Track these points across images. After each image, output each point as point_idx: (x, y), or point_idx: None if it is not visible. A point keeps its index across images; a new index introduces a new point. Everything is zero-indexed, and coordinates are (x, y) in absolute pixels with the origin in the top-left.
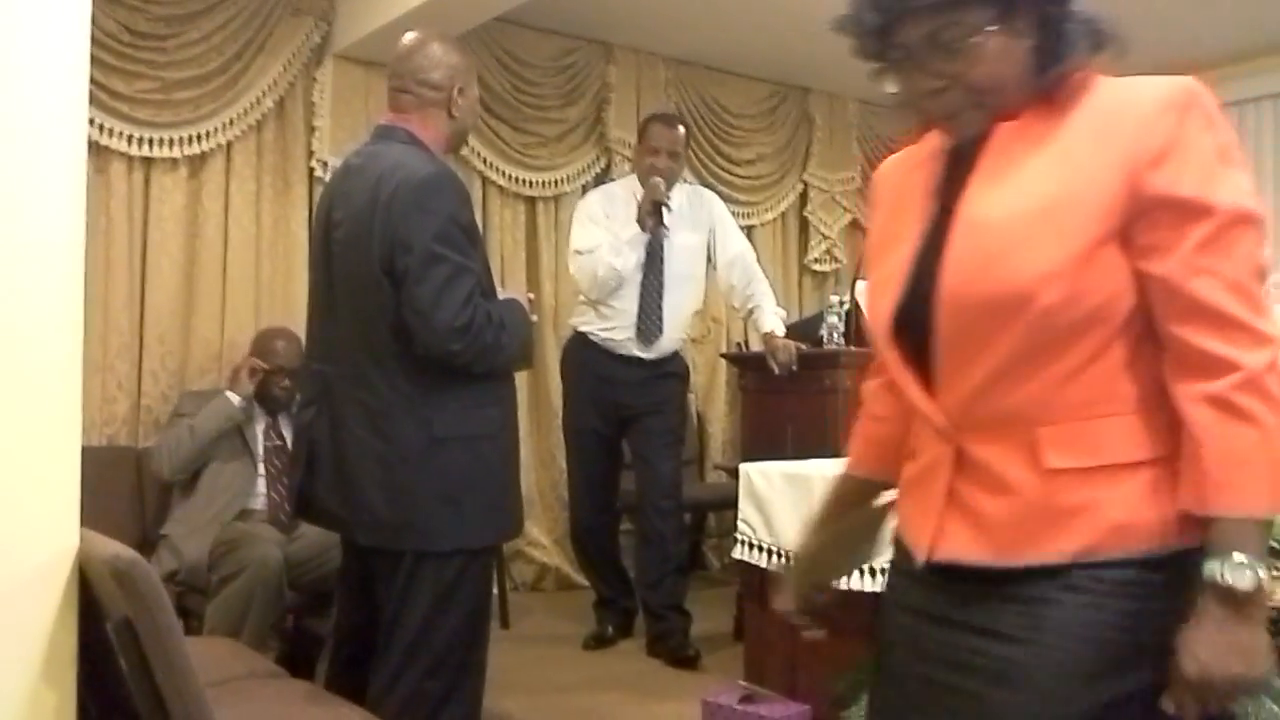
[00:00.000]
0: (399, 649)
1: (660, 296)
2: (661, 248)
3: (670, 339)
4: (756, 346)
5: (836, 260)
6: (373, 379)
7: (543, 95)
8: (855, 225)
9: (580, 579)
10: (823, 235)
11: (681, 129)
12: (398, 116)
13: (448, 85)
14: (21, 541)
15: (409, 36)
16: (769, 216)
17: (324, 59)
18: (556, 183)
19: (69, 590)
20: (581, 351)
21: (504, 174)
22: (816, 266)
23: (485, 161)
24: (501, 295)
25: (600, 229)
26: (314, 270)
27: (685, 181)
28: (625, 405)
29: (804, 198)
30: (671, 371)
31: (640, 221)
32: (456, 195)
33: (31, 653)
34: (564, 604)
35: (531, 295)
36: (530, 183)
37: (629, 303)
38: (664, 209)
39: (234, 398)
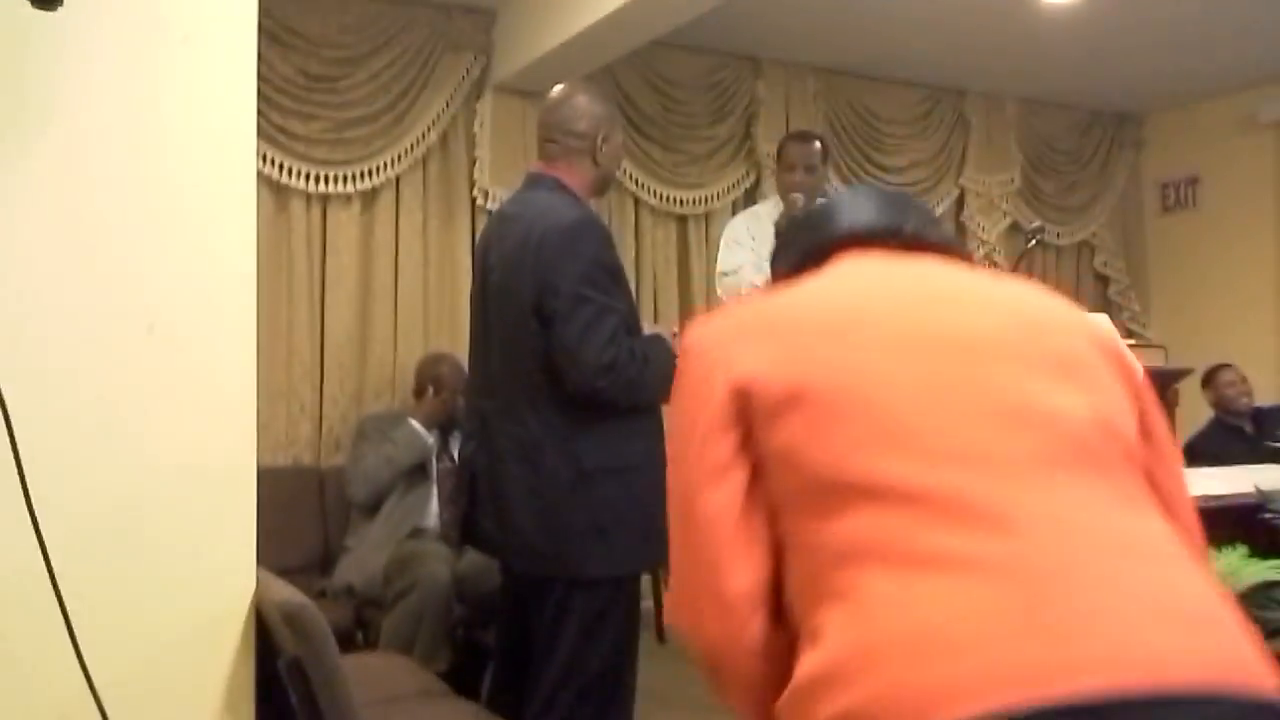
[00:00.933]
0: (551, 674)
1: None
2: None
3: None
4: None
5: (996, 265)
6: (525, 415)
7: (692, 113)
8: (1015, 228)
9: None
10: (980, 240)
11: (817, 143)
12: (546, 165)
13: (592, 134)
14: (203, 588)
15: (556, 90)
16: None
17: (483, 92)
18: (706, 199)
19: (247, 631)
20: None
21: (655, 193)
22: None
23: (636, 182)
24: (647, 330)
25: (745, 250)
26: (473, 312)
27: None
28: None
29: (960, 203)
30: None
31: (777, 235)
32: (600, 239)
33: (214, 691)
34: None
35: (676, 330)
36: (681, 201)
37: None
38: None
39: (422, 429)
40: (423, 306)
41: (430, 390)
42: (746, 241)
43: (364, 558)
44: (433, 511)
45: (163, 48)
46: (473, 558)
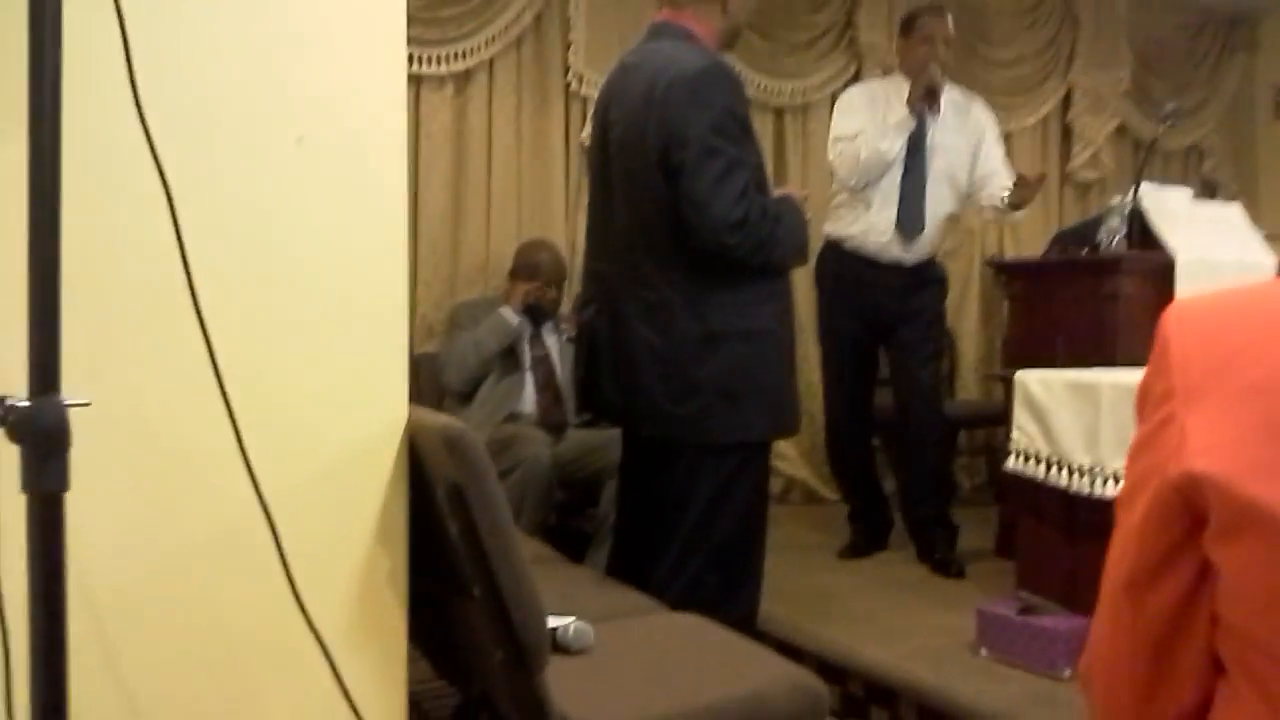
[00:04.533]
0: (679, 541)
1: (923, 188)
2: (926, 138)
3: (930, 239)
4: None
5: (1104, 167)
6: (650, 275)
7: (791, 0)
8: (1123, 130)
9: (827, 492)
10: (1087, 141)
11: (950, 19)
12: (673, 13)
13: None
14: (357, 413)
15: None
16: (1029, 121)
17: None
18: (805, 91)
19: (400, 459)
20: (839, 259)
21: (753, 83)
22: (1082, 175)
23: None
24: (776, 193)
25: (863, 116)
26: (592, 171)
27: (955, 86)
28: (886, 311)
29: (1067, 101)
30: (932, 278)
31: (911, 105)
32: (731, 88)
33: (368, 519)
34: (812, 517)
35: (807, 192)
36: (779, 91)
37: (889, 193)
38: (938, 96)
39: (511, 315)
40: (516, 193)
41: (525, 276)
42: (864, 109)
43: None
44: (529, 397)
45: None
46: (571, 441)
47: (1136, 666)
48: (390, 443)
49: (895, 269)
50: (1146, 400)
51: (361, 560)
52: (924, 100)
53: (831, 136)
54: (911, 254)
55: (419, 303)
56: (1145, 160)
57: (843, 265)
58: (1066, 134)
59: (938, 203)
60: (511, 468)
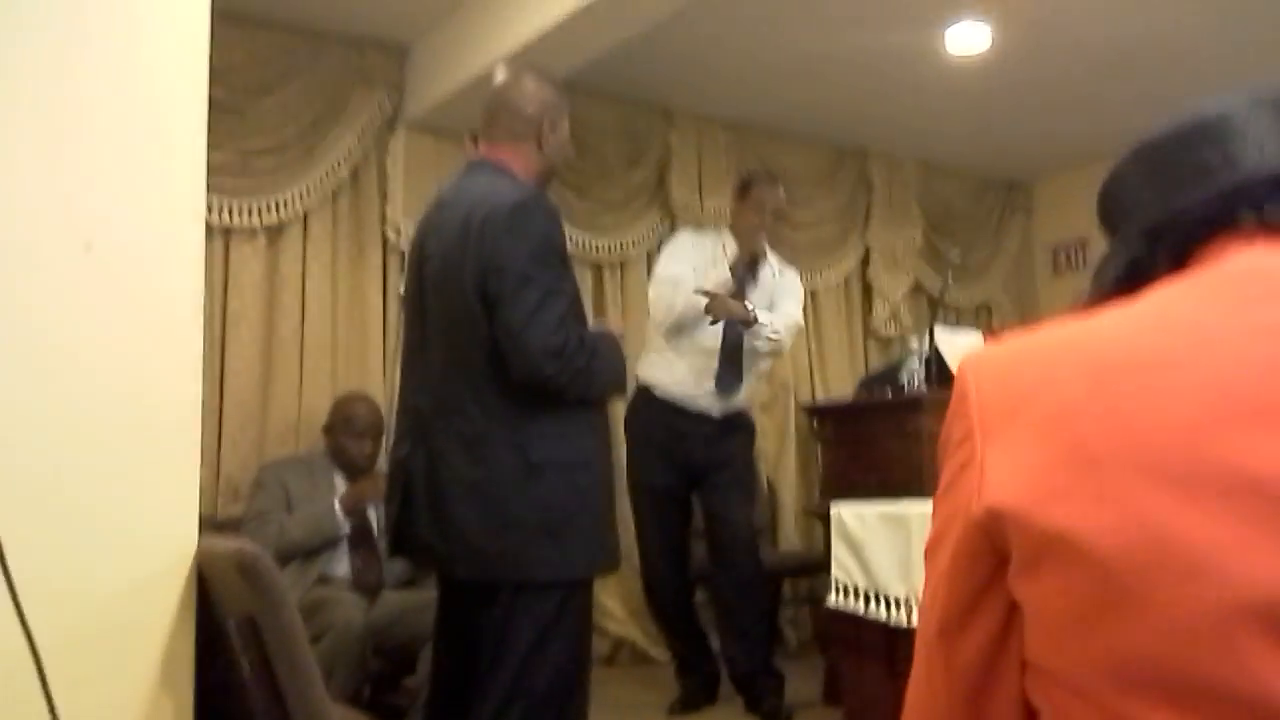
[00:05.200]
0: (498, 692)
1: (740, 349)
2: (746, 300)
3: (745, 392)
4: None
5: (902, 324)
6: (468, 408)
7: (606, 160)
8: (918, 287)
9: (656, 652)
10: (886, 299)
11: (782, 189)
12: (489, 149)
13: (538, 119)
14: (140, 542)
15: (503, 71)
16: (833, 280)
17: (396, 128)
18: (623, 246)
19: (186, 592)
20: (649, 406)
21: (572, 239)
22: (882, 331)
23: None
24: (593, 326)
25: (688, 265)
26: (406, 310)
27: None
28: (696, 458)
29: (866, 260)
30: (742, 425)
31: (733, 269)
32: (548, 218)
33: (149, 660)
34: (642, 677)
35: (622, 329)
36: (596, 247)
37: (707, 351)
38: (758, 266)
39: (340, 520)
40: (330, 347)
41: (341, 429)
42: (690, 257)
43: None
44: (342, 558)
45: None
46: (386, 606)
47: (952, 716)
48: (177, 574)
49: (706, 420)
50: (948, 446)
51: (142, 707)
52: (747, 268)
53: (655, 274)
54: (724, 407)
55: (223, 463)
56: (937, 308)
57: (652, 411)
58: (867, 291)
59: (752, 360)
60: (320, 634)
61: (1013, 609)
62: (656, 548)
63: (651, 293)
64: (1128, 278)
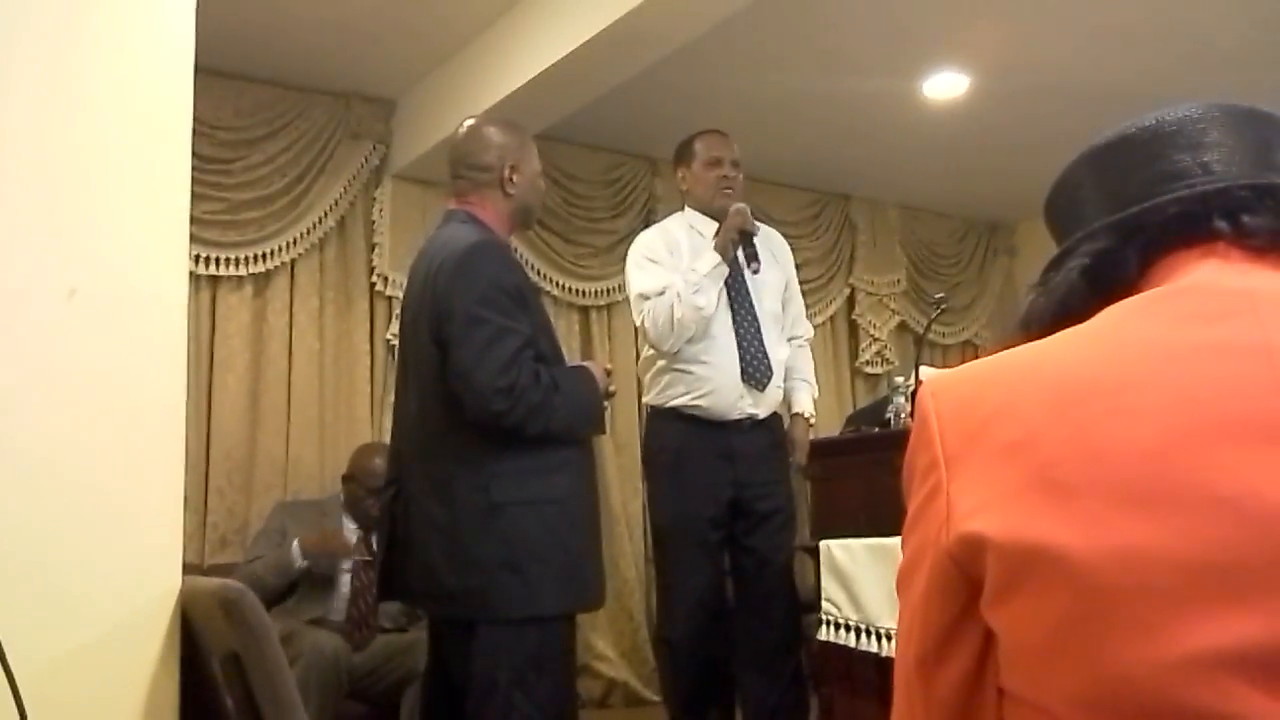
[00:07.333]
0: None
1: (760, 333)
2: (746, 281)
3: (777, 387)
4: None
5: (889, 362)
6: (434, 449)
7: (592, 208)
8: (904, 327)
9: (649, 694)
10: (873, 338)
11: (733, 140)
12: (459, 201)
13: (498, 165)
14: (124, 581)
15: (464, 124)
16: (819, 320)
17: (382, 179)
18: (609, 291)
19: (171, 631)
20: (675, 428)
21: (558, 284)
22: (868, 369)
23: (539, 273)
24: (573, 363)
25: (666, 269)
26: (397, 356)
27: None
28: (742, 483)
29: (852, 301)
30: (781, 440)
31: (722, 250)
32: (498, 260)
33: (134, 701)
34: (636, 719)
35: (609, 366)
36: (583, 292)
37: (725, 348)
38: (751, 239)
39: (296, 557)
40: (318, 395)
41: (360, 480)
42: (665, 259)
43: None
44: (338, 605)
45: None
46: (373, 650)
47: None
48: (161, 612)
49: (750, 424)
50: (913, 476)
51: None
52: (738, 246)
53: (635, 294)
54: (764, 405)
55: (209, 511)
56: (922, 345)
57: (687, 433)
58: (854, 330)
59: (775, 346)
60: (293, 659)
61: (989, 638)
62: (694, 600)
63: (638, 315)
64: (1094, 270)
